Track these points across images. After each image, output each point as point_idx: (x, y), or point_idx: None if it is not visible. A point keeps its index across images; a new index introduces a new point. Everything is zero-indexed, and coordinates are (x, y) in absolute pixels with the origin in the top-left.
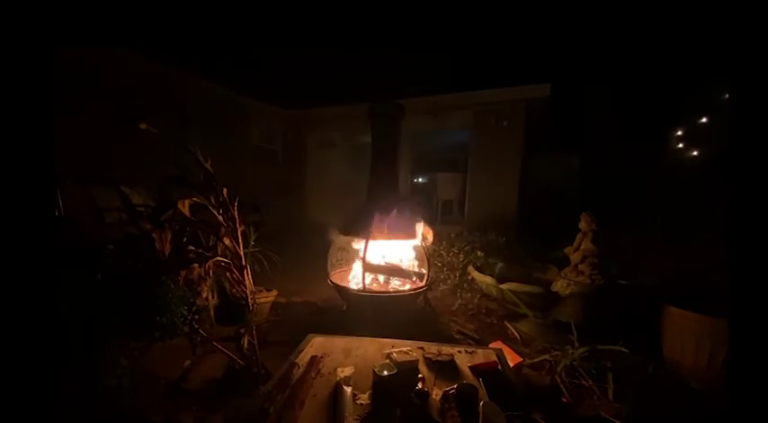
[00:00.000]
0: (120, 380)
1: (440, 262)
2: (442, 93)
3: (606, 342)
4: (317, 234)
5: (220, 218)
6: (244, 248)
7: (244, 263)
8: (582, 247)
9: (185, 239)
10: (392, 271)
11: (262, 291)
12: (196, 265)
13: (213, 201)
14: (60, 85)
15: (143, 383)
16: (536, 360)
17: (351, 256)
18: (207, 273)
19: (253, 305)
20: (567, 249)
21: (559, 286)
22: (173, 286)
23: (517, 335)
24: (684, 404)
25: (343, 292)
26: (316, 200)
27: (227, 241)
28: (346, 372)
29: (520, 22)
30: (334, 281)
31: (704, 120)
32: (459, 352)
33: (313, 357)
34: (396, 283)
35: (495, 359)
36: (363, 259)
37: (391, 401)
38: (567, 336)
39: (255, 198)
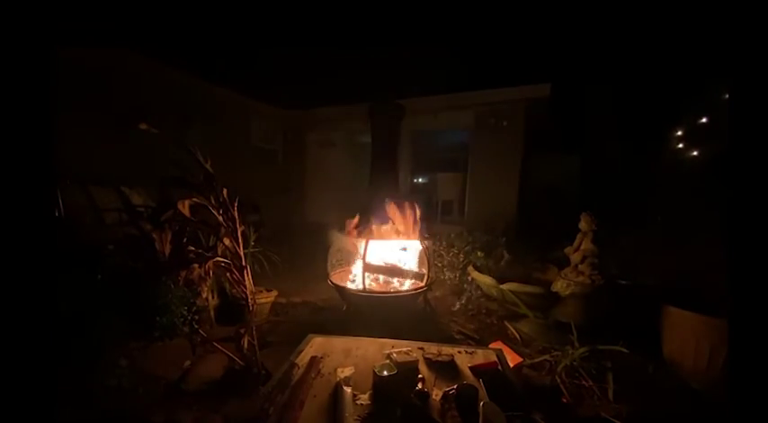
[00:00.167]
0: (119, 380)
1: (440, 262)
2: (442, 93)
3: (606, 342)
4: (317, 234)
5: (220, 218)
6: (244, 249)
7: (244, 263)
8: (582, 248)
9: (185, 240)
10: (392, 271)
11: (262, 291)
12: (196, 265)
13: (213, 201)
14: (60, 84)
15: (143, 384)
16: (536, 360)
17: (351, 256)
18: (207, 273)
19: (253, 305)
20: (567, 249)
21: (559, 286)
22: (173, 286)
23: (517, 335)
24: (684, 404)
25: (343, 292)
26: (315, 200)
27: (227, 241)
28: (346, 372)
29: (520, 22)
30: (333, 281)
31: (704, 120)
32: (460, 352)
33: (313, 358)
34: (396, 284)
35: (496, 359)
36: (363, 259)
37: (391, 402)
38: (567, 336)
39: (255, 198)
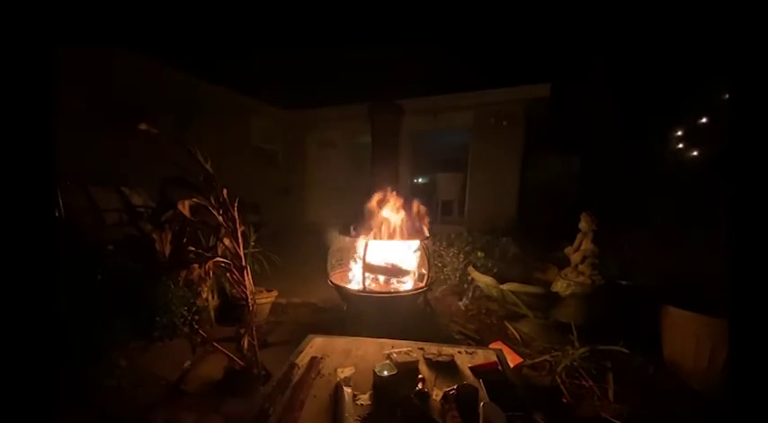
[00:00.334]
0: (119, 380)
1: (440, 262)
2: (442, 93)
3: (606, 342)
4: (317, 234)
5: (220, 218)
6: (244, 249)
7: (244, 263)
8: (582, 248)
9: (185, 240)
10: (392, 271)
11: (262, 291)
12: (196, 265)
13: (213, 201)
14: (61, 85)
15: (142, 384)
16: (536, 360)
17: (351, 256)
18: (207, 273)
19: (253, 306)
20: (568, 250)
21: (560, 286)
22: (173, 287)
23: (517, 335)
24: (685, 405)
25: (343, 292)
26: (315, 200)
27: (227, 242)
28: (346, 372)
29: (520, 22)
30: (334, 281)
31: (704, 120)
32: (460, 352)
33: (313, 358)
34: (395, 284)
35: (496, 360)
36: (363, 260)
37: (391, 402)
38: (567, 336)
39: (255, 198)
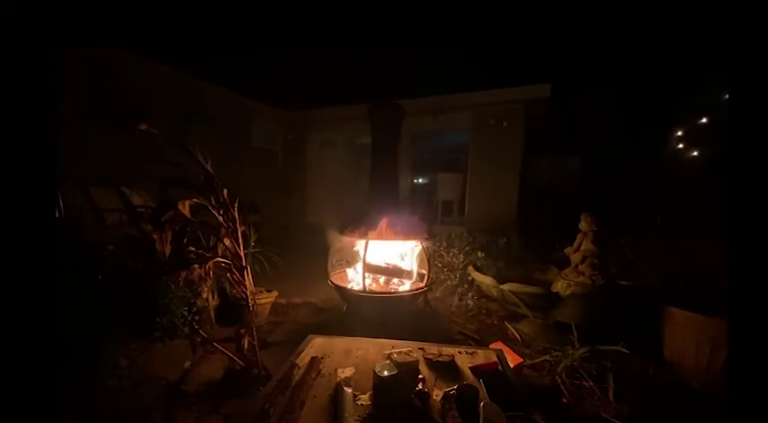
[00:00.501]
0: (119, 380)
1: (440, 262)
2: (443, 93)
3: (607, 343)
4: (318, 234)
5: (221, 219)
6: (244, 249)
7: (244, 263)
8: (582, 248)
9: (186, 240)
10: (392, 272)
11: (262, 291)
12: (196, 265)
13: (213, 201)
14: (61, 85)
15: (143, 384)
16: (536, 361)
17: (351, 257)
18: (207, 273)
19: (253, 306)
20: (568, 250)
21: (560, 287)
22: (173, 287)
23: (517, 335)
24: (685, 405)
25: (344, 292)
26: (316, 200)
27: (227, 242)
28: (347, 372)
29: (520, 22)
30: (334, 281)
31: (704, 120)
32: (460, 352)
33: (313, 358)
34: (396, 284)
35: (496, 360)
36: (364, 260)
37: (392, 402)
38: (567, 336)
39: (256, 199)
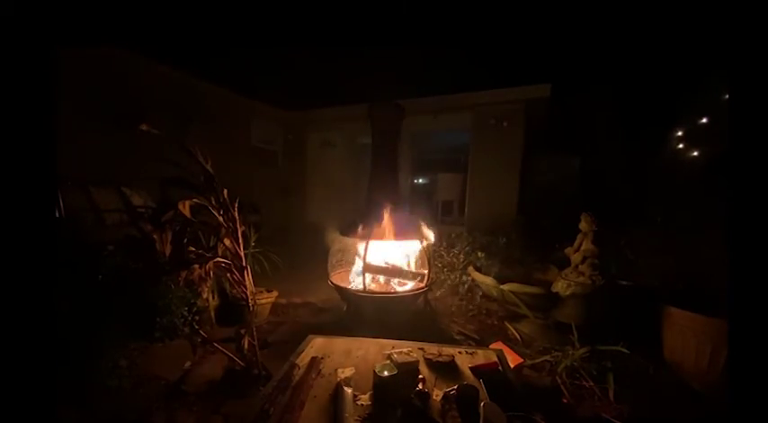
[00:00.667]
0: (119, 380)
1: (440, 263)
2: (443, 93)
3: (607, 343)
4: (318, 235)
5: (221, 219)
6: (244, 249)
7: (244, 264)
8: (582, 248)
9: (186, 240)
10: (392, 272)
11: (262, 292)
12: (196, 265)
13: (214, 202)
14: (61, 85)
15: (143, 384)
16: (537, 361)
17: (351, 257)
18: (207, 274)
19: (253, 306)
20: (568, 250)
21: (560, 287)
22: (173, 287)
23: (518, 335)
24: (685, 405)
25: (344, 292)
26: (316, 200)
27: (227, 242)
28: (347, 372)
29: (520, 23)
30: (334, 281)
31: (704, 120)
32: (460, 353)
33: (313, 358)
34: (396, 284)
35: (496, 360)
36: (364, 260)
37: (392, 402)
38: (567, 336)
39: (256, 199)
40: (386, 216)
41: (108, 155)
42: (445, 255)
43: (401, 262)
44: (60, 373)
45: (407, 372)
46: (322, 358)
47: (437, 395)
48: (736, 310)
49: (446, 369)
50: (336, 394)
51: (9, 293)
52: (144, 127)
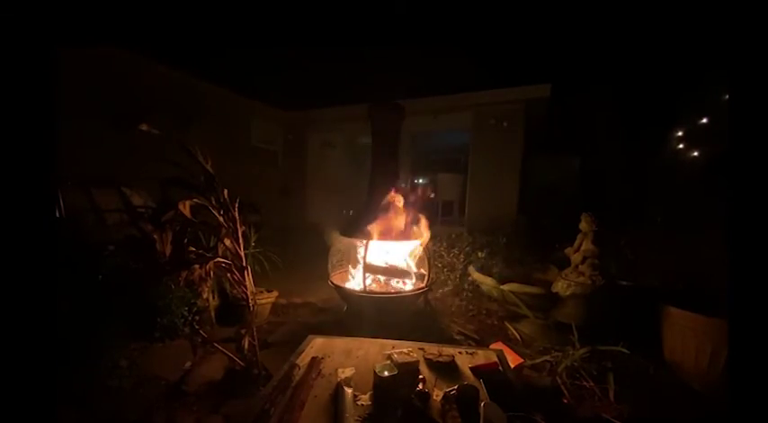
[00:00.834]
0: (120, 381)
1: (440, 263)
2: (443, 93)
3: (607, 343)
4: (318, 235)
5: (221, 219)
6: (244, 249)
7: (244, 264)
8: (582, 248)
9: (186, 240)
10: (393, 272)
11: (262, 292)
12: (197, 266)
13: (214, 202)
14: (61, 85)
15: (143, 384)
16: (537, 361)
17: (351, 257)
18: (207, 274)
19: (253, 306)
20: (568, 250)
21: (560, 287)
22: (173, 287)
23: (518, 336)
24: (685, 405)
25: (344, 292)
26: (316, 200)
27: (227, 242)
28: (347, 373)
29: (520, 23)
30: (334, 282)
31: (704, 120)
32: (460, 353)
33: (314, 358)
34: (396, 284)
35: (496, 360)
36: (364, 260)
37: (392, 402)
38: (567, 336)
39: (256, 199)
40: (386, 215)
41: (108, 155)
42: (445, 255)
43: (401, 262)
44: (60, 373)
45: (408, 372)
46: (322, 358)
47: (437, 395)
48: (736, 310)
49: (446, 369)
50: (337, 394)
51: (9, 293)
52: (144, 127)
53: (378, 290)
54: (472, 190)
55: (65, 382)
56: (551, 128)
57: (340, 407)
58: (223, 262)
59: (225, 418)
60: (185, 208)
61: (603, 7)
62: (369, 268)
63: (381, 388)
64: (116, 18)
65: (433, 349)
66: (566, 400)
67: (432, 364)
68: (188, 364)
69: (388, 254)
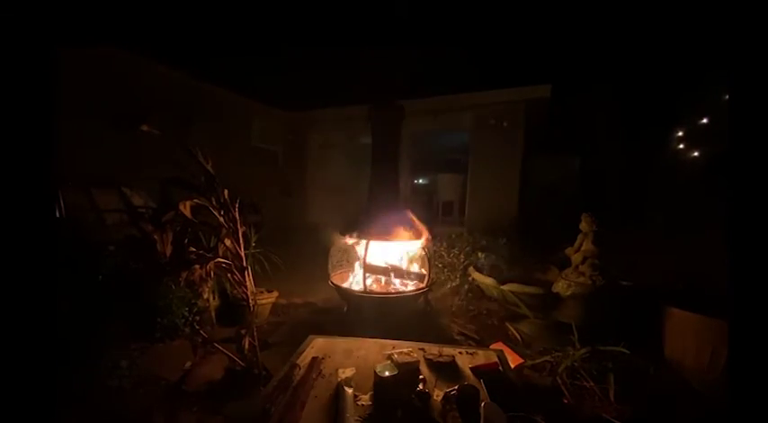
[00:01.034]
0: (120, 381)
1: (440, 263)
2: (443, 93)
3: (607, 343)
4: (318, 235)
5: (221, 219)
6: (245, 249)
7: (245, 264)
8: (583, 248)
9: (186, 241)
10: (393, 272)
11: (262, 292)
12: (197, 266)
13: (214, 202)
14: (61, 85)
15: (143, 384)
16: (537, 361)
17: (351, 257)
18: (208, 274)
19: (253, 306)
20: (568, 250)
21: (560, 287)
22: (174, 287)
23: (518, 336)
24: (686, 405)
25: (344, 293)
26: (316, 201)
27: (228, 242)
28: (347, 373)
29: (521, 23)
30: (334, 282)
31: (704, 120)
32: (460, 353)
33: (314, 358)
34: (396, 284)
35: (496, 360)
36: (364, 260)
37: (392, 402)
38: (567, 337)
39: (256, 199)
40: (386, 216)
41: (108, 155)
42: (446, 255)
43: (401, 262)
44: (60, 373)
45: (408, 372)
46: (323, 358)
47: (438, 395)
48: (736, 310)
49: (447, 369)
50: (337, 394)
51: (9, 293)
52: (144, 127)
53: (378, 290)
54: (472, 190)
55: (65, 382)
56: (551, 128)
57: (340, 407)
58: (223, 262)
59: (225, 418)
60: (186, 208)
61: (603, 7)
62: (369, 268)
63: (382, 388)
64: (116, 18)
65: (433, 349)
66: (566, 401)
67: (432, 365)
68: (188, 364)
69: (389, 254)
